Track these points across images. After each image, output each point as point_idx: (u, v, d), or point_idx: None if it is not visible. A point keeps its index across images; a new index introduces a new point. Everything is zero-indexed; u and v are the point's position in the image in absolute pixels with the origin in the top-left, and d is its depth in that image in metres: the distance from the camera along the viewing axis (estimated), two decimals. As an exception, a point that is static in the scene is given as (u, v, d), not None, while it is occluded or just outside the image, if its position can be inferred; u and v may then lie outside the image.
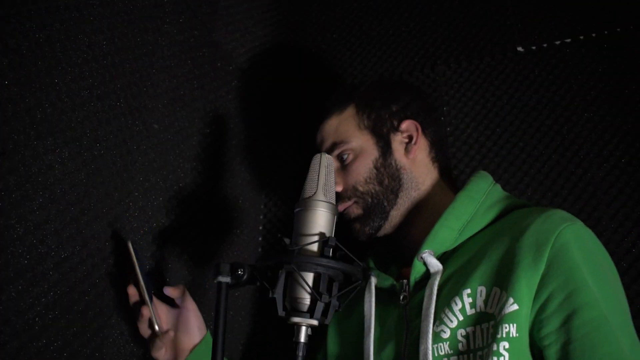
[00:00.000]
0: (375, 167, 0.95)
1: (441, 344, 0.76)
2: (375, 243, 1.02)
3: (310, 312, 0.71)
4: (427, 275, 0.83)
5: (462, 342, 0.75)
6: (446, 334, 0.76)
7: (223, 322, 0.76)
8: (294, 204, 0.78)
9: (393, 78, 1.37)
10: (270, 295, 0.71)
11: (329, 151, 0.98)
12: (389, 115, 0.99)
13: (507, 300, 0.71)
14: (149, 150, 1.01)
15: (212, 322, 1.12)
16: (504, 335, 0.70)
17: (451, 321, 0.77)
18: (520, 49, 1.28)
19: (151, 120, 1.02)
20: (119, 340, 0.90)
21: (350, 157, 0.96)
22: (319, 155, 0.81)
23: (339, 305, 0.73)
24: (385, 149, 0.96)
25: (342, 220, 1.00)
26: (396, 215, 0.95)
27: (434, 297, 0.79)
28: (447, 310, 0.78)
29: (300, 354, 0.70)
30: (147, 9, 1.04)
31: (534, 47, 1.27)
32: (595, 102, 1.17)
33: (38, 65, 0.77)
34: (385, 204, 0.94)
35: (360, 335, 0.90)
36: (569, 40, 1.24)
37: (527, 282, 0.72)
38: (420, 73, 1.36)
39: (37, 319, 0.75)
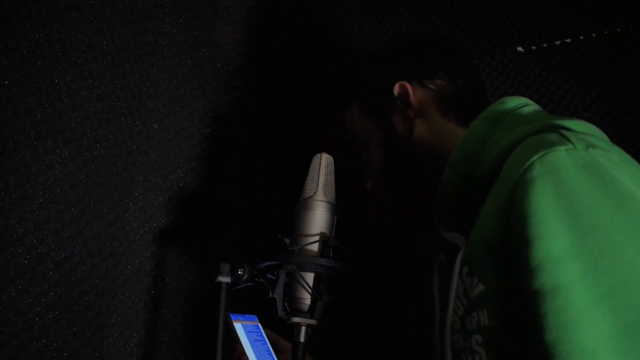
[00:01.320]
0: (384, 149, 0.83)
1: (456, 337, 0.61)
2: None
3: (310, 312, 0.71)
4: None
5: (475, 330, 0.57)
6: (457, 324, 0.60)
7: (223, 322, 0.76)
8: (294, 204, 0.78)
9: (386, 43, 1.23)
10: (270, 295, 0.72)
11: (353, 136, 0.89)
12: (383, 88, 0.85)
13: (472, 280, 0.56)
14: (149, 150, 1.01)
15: (212, 322, 1.13)
16: (474, 327, 0.54)
17: (459, 308, 0.60)
18: (520, 49, 1.28)
19: (151, 120, 1.02)
20: (119, 340, 0.90)
21: (371, 142, 0.86)
22: (319, 155, 0.81)
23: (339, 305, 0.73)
24: (385, 127, 0.83)
25: (342, 220, 1.00)
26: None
27: (455, 280, 0.61)
28: (456, 297, 0.61)
29: (300, 353, 0.70)
30: (147, 9, 1.04)
31: (534, 47, 1.27)
32: (595, 102, 1.17)
33: (38, 65, 0.77)
34: (405, 182, 0.81)
35: None
36: (569, 40, 1.24)
37: (486, 250, 0.55)
38: (420, 73, 1.36)
39: (37, 319, 0.75)
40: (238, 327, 0.81)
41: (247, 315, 0.87)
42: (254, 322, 0.83)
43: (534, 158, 0.52)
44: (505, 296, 0.52)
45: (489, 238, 0.55)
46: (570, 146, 0.53)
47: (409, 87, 0.83)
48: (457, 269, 0.61)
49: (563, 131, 0.57)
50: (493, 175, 0.60)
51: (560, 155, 0.52)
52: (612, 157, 0.54)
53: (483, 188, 0.61)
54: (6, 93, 0.72)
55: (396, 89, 0.83)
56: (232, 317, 0.81)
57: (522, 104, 0.69)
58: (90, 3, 0.88)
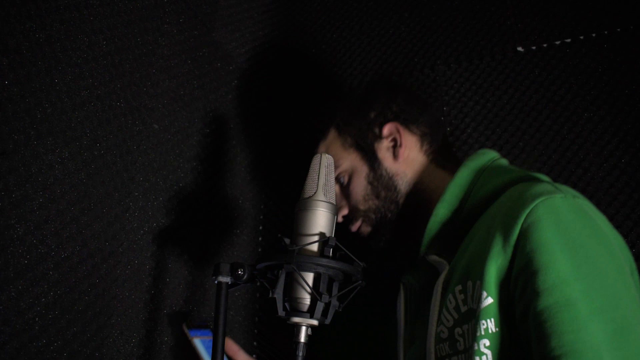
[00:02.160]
0: (370, 183, 0.93)
1: (442, 345, 0.73)
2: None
3: (310, 312, 0.71)
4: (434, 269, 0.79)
5: (459, 341, 0.70)
6: (445, 334, 0.73)
7: (223, 322, 0.76)
8: (294, 204, 0.78)
9: (368, 83, 1.33)
10: (270, 295, 0.71)
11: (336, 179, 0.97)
12: (368, 125, 0.96)
13: (481, 293, 0.66)
14: (149, 150, 1.01)
15: (212, 322, 1.13)
16: (483, 333, 0.65)
17: (448, 320, 0.73)
18: (520, 49, 1.28)
19: (151, 120, 1.02)
20: (119, 340, 0.90)
21: (346, 178, 0.95)
22: (319, 155, 0.81)
23: (339, 305, 0.73)
24: (372, 161, 0.94)
25: (344, 224, 1.00)
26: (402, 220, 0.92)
27: (439, 297, 0.75)
28: (444, 310, 0.74)
29: (300, 353, 0.70)
30: (147, 9, 1.04)
31: (534, 47, 1.27)
32: (595, 102, 1.17)
33: (38, 65, 0.77)
34: (389, 214, 0.92)
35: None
36: (569, 40, 1.24)
37: (496, 271, 0.66)
38: (420, 73, 1.36)
39: (37, 319, 0.75)
40: (197, 342, 0.83)
41: (204, 330, 0.88)
42: (210, 337, 0.84)
43: (538, 201, 0.66)
44: (507, 309, 0.65)
45: (496, 261, 0.67)
46: (563, 195, 0.68)
47: (400, 128, 0.95)
48: (439, 288, 0.74)
49: (549, 182, 0.73)
50: (478, 211, 0.77)
51: (558, 201, 0.67)
52: (590, 206, 0.73)
53: (468, 220, 0.77)
54: (6, 93, 0.72)
55: (387, 129, 0.95)
56: (191, 333, 0.83)
57: (496, 156, 0.88)
58: (90, 3, 0.88)
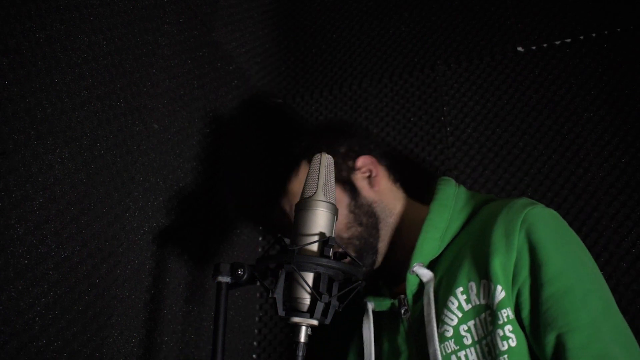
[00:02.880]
0: (351, 212, 0.97)
1: (447, 343, 0.81)
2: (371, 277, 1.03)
3: (310, 312, 0.71)
4: (422, 286, 0.88)
5: (465, 336, 0.80)
6: (449, 332, 0.81)
7: (223, 322, 0.76)
8: (294, 204, 0.78)
9: (321, 123, 1.41)
10: (270, 295, 0.71)
11: None
12: (342, 158, 1.02)
13: (495, 288, 0.77)
14: (149, 150, 1.01)
15: (212, 322, 1.13)
16: (506, 320, 0.76)
17: (451, 319, 0.82)
18: (520, 49, 1.28)
19: (151, 120, 1.02)
20: (119, 340, 0.90)
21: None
22: (319, 155, 0.81)
23: (339, 305, 0.73)
24: (352, 191, 0.99)
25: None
26: (383, 246, 0.99)
27: (432, 302, 0.83)
28: (445, 311, 0.83)
29: (300, 353, 0.70)
30: (147, 9, 1.04)
31: (534, 47, 1.27)
32: (595, 102, 1.17)
33: (38, 65, 0.77)
34: (372, 240, 0.97)
35: None
36: (569, 40, 1.24)
37: (503, 270, 0.78)
38: (420, 73, 1.36)
39: (37, 319, 0.75)
40: None
41: None
42: None
43: (526, 210, 0.81)
44: (514, 303, 0.77)
45: (500, 261, 0.78)
46: (541, 205, 0.83)
47: (373, 159, 1.03)
48: (431, 293, 0.84)
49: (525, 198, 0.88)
50: (460, 228, 0.91)
51: (541, 209, 0.82)
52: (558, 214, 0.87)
53: (450, 236, 0.90)
54: (6, 93, 0.72)
55: (361, 161, 1.02)
56: None
57: (457, 184, 0.98)
58: (90, 3, 0.88)
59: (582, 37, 1.23)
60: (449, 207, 0.92)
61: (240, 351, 1.23)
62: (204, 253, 1.14)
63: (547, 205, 0.94)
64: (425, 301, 0.84)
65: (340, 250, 0.78)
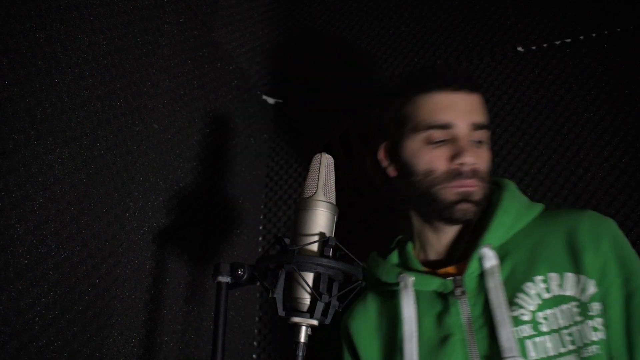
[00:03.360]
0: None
1: (522, 327, 0.81)
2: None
3: (310, 312, 0.71)
4: (479, 269, 0.86)
5: (543, 323, 0.80)
6: (526, 317, 0.81)
7: (223, 322, 0.76)
8: (294, 204, 0.78)
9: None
10: (270, 295, 0.71)
11: (478, 126, 0.91)
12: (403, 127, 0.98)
13: (588, 282, 0.80)
14: (149, 150, 1.01)
15: (212, 322, 1.13)
16: (598, 313, 0.78)
17: (529, 304, 0.82)
18: (520, 49, 1.28)
19: (151, 120, 1.02)
20: (119, 340, 0.90)
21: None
22: (319, 155, 0.81)
23: (339, 305, 0.73)
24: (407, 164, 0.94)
25: (342, 220, 1.00)
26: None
27: (501, 286, 0.83)
28: (521, 295, 0.82)
29: (300, 353, 0.70)
30: (147, 9, 1.04)
31: (534, 47, 1.27)
32: (595, 102, 1.17)
33: (38, 65, 0.77)
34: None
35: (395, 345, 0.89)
36: (569, 40, 1.24)
37: (594, 267, 0.80)
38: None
39: (37, 319, 0.75)
40: None
41: None
42: None
43: (610, 220, 0.84)
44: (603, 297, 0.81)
45: (591, 260, 0.81)
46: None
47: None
48: (497, 274, 0.84)
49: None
50: (530, 221, 0.90)
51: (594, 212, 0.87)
52: None
53: (520, 226, 0.90)
54: (6, 93, 0.72)
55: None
56: None
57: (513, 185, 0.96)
58: (90, 3, 0.88)
59: (582, 37, 1.23)
60: (519, 200, 0.91)
61: (240, 351, 1.23)
62: (204, 253, 1.14)
63: (548, 205, 0.94)
64: (491, 284, 0.83)
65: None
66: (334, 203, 0.78)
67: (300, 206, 0.76)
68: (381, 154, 0.97)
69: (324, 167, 0.78)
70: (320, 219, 0.75)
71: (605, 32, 1.21)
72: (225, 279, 0.77)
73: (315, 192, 0.76)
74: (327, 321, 0.71)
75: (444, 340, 0.85)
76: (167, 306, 1.02)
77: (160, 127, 1.05)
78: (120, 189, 0.93)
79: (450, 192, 0.88)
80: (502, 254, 0.87)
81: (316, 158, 0.81)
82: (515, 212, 0.89)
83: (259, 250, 1.36)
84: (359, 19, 1.51)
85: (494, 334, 0.81)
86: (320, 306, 0.70)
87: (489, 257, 0.85)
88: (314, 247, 0.74)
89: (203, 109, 1.20)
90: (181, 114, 1.11)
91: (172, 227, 1.05)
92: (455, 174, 0.88)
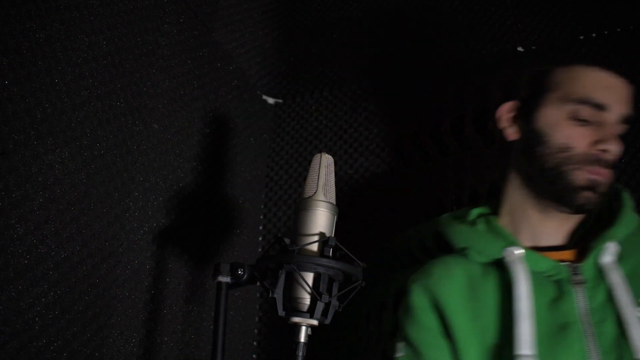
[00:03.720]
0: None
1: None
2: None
3: (310, 312, 0.71)
4: (597, 262, 0.82)
5: None
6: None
7: (223, 322, 0.76)
8: (294, 204, 0.78)
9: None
10: (270, 295, 0.71)
11: (626, 118, 0.88)
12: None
13: None
14: (149, 150, 1.01)
15: (212, 322, 1.13)
16: None
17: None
18: (520, 49, 1.28)
19: (151, 120, 1.02)
20: (119, 340, 0.90)
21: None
22: (319, 155, 0.81)
23: (339, 305, 0.73)
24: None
25: (346, 217, 1.00)
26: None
27: (624, 283, 0.79)
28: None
29: (300, 353, 0.70)
30: (147, 9, 1.04)
31: (534, 47, 1.27)
32: (595, 102, 1.16)
33: (38, 65, 0.77)
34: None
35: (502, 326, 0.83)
36: (569, 40, 1.24)
37: None
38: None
39: (37, 319, 0.75)
40: None
41: None
42: None
43: None
44: None
45: None
46: None
47: None
48: (618, 275, 0.80)
49: None
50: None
51: None
52: None
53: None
54: (6, 93, 0.72)
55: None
56: None
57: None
58: (90, 3, 0.88)
59: (582, 37, 1.23)
60: (631, 206, 0.88)
61: (240, 351, 1.23)
62: (204, 253, 1.14)
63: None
64: (614, 280, 0.80)
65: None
66: (334, 203, 0.78)
67: (300, 206, 0.76)
68: (504, 112, 0.91)
69: (324, 167, 0.78)
70: (320, 219, 0.75)
71: (605, 32, 1.21)
72: (225, 279, 0.77)
73: (315, 192, 0.76)
74: (327, 321, 0.72)
75: (562, 327, 0.80)
76: (167, 306, 1.02)
77: (160, 127, 1.05)
78: (120, 189, 0.93)
79: (582, 175, 0.82)
80: (619, 253, 0.83)
81: (316, 158, 0.81)
82: (634, 214, 0.87)
83: (259, 250, 1.36)
84: (359, 19, 1.51)
85: (617, 330, 0.77)
86: (320, 306, 0.70)
87: (612, 253, 0.81)
88: (314, 247, 0.74)
89: (203, 109, 1.20)
90: (181, 114, 1.11)
91: (172, 227, 1.05)
92: (594, 160, 0.83)
